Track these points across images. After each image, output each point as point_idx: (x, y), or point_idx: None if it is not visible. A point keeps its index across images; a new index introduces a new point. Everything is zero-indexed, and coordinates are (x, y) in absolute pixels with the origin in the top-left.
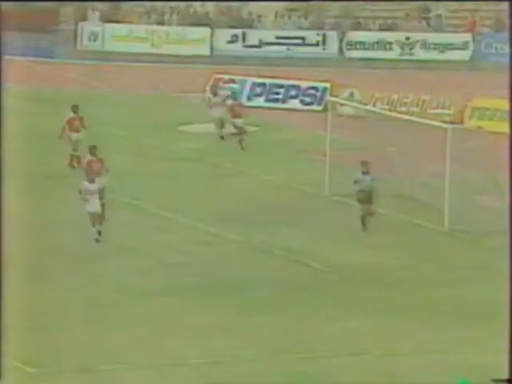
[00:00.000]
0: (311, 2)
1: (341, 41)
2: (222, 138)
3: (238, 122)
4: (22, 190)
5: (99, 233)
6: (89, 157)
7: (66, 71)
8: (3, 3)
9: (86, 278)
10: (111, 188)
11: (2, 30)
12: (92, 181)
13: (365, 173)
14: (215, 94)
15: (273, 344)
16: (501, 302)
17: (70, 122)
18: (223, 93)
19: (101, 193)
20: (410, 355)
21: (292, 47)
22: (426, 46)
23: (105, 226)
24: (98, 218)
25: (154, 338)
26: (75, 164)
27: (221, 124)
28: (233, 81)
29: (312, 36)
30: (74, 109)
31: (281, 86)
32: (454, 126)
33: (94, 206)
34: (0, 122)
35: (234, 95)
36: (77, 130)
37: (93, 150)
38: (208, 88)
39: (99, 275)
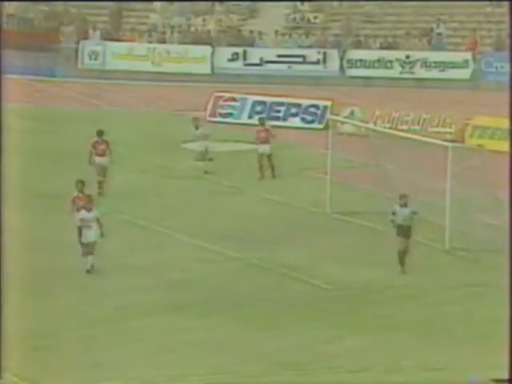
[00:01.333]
0: (312, 20)
1: (341, 59)
2: (206, 172)
3: (263, 148)
4: (22, 208)
5: (92, 266)
6: (75, 193)
7: (67, 90)
8: (5, 23)
9: (86, 296)
10: (112, 205)
11: (4, 49)
12: (89, 209)
13: (403, 205)
14: (197, 128)
15: (273, 360)
16: (501, 320)
17: (94, 146)
18: (203, 128)
19: (99, 222)
20: (410, 372)
21: (293, 65)
22: (426, 64)
23: (105, 243)
24: (91, 248)
25: (153, 355)
26: (100, 190)
27: (202, 157)
28: (234, 99)
29: (313, 54)
30: (99, 133)
31: (282, 104)
32: (455, 144)
33: (90, 235)
34: (0, 140)
35: (262, 120)
36: (102, 155)
37: (80, 185)
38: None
39: (99, 292)
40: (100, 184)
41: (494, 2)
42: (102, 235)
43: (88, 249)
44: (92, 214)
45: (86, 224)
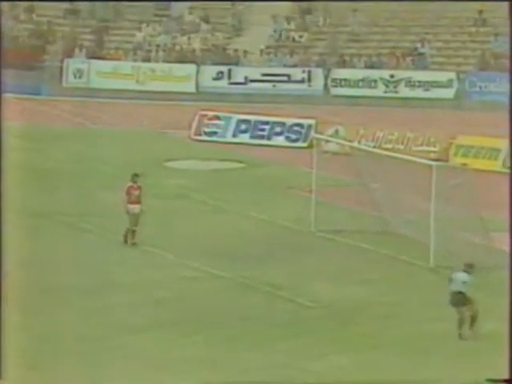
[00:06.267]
0: (297, 39)
1: (326, 78)
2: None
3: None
4: (16, 226)
5: None
6: None
7: (52, 108)
8: None
9: (74, 313)
10: (98, 224)
11: None
12: None
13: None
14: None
15: (258, 378)
16: (485, 337)
17: (129, 192)
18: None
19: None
20: None
21: (277, 84)
22: (410, 83)
23: (93, 261)
24: None
25: (141, 371)
26: (128, 240)
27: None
28: (218, 117)
29: (297, 73)
30: (134, 178)
31: (266, 123)
32: (439, 163)
33: None
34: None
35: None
36: (136, 202)
37: None
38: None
39: (87, 310)
40: (133, 233)
41: (478, 22)
42: None
43: None
44: None
45: None
